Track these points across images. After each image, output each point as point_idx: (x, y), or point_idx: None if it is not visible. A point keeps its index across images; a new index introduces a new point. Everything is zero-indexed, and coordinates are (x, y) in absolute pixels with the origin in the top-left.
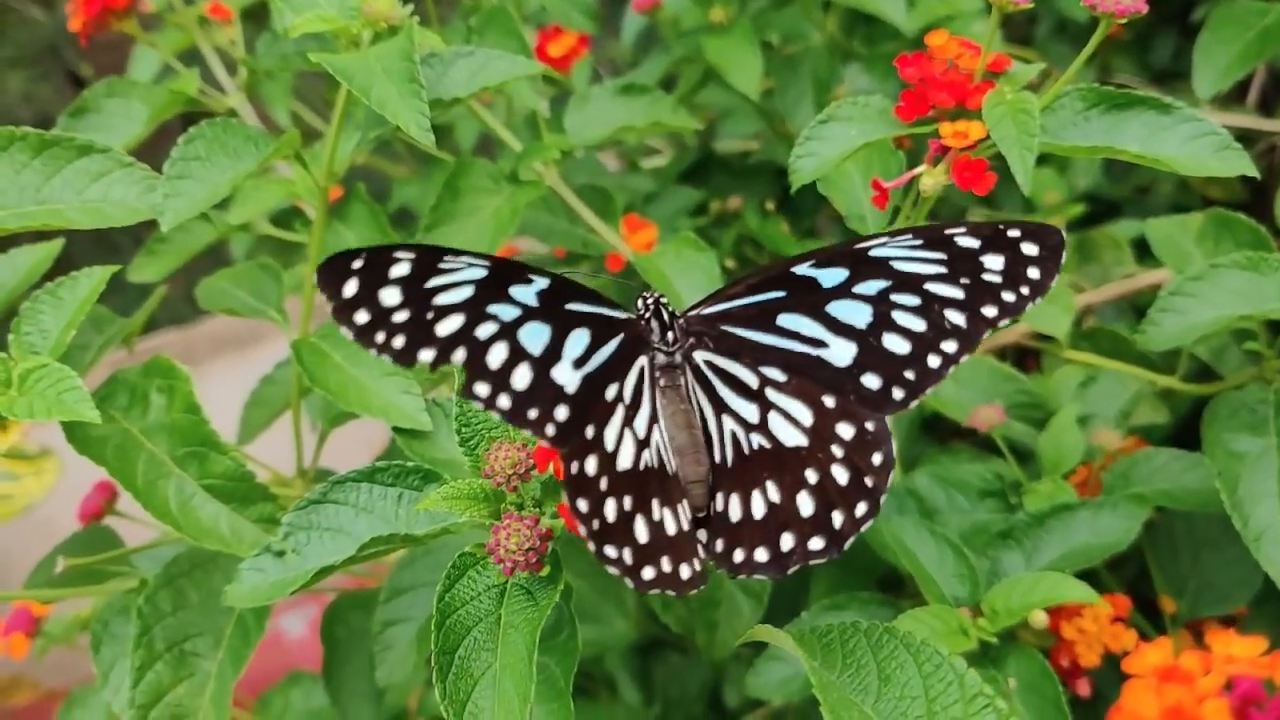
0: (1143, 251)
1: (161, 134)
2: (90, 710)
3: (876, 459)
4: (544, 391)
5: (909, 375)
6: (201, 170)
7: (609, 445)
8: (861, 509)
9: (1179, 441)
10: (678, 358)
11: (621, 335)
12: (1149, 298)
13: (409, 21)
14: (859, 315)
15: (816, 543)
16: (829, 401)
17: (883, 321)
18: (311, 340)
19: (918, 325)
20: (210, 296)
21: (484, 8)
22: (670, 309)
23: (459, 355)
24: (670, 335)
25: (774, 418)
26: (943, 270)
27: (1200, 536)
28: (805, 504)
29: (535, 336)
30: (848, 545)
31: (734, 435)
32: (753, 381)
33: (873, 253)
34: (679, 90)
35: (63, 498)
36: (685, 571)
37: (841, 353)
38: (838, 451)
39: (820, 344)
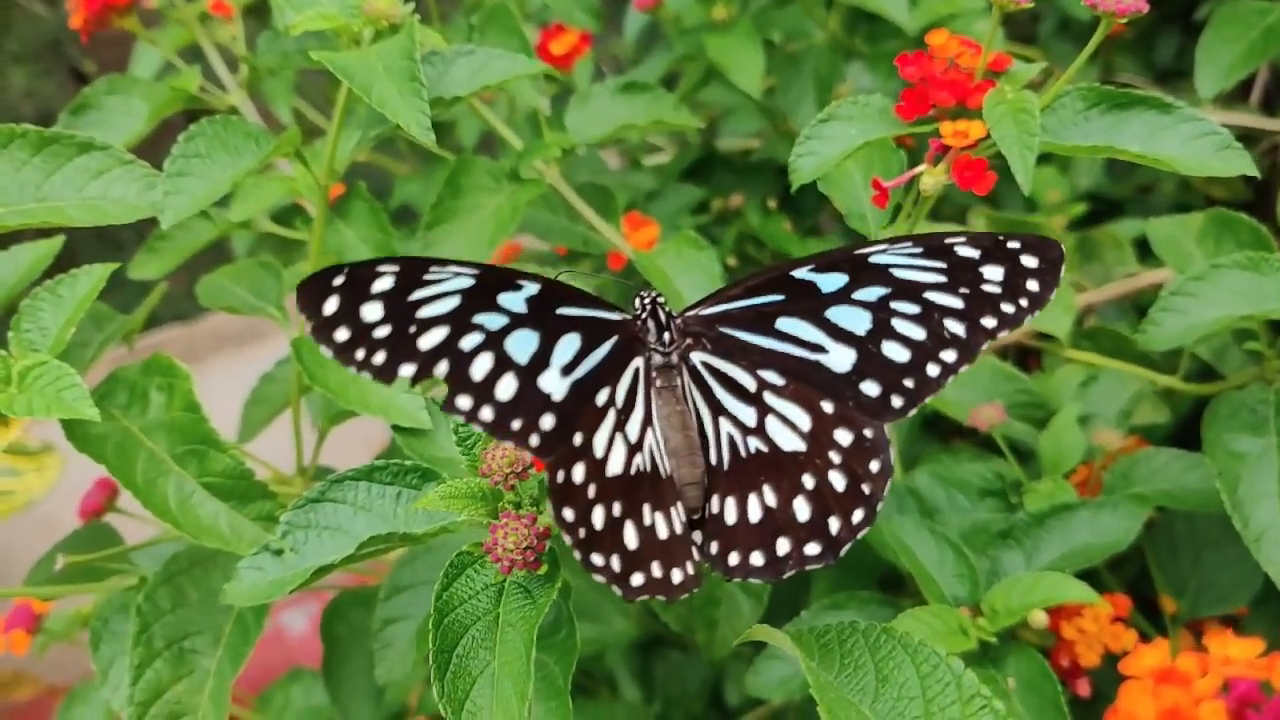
0: (1145, 251)
1: (165, 130)
2: (91, 707)
3: (874, 466)
4: (529, 401)
5: (908, 383)
6: (202, 168)
7: (598, 452)
8: (858, 516)
9: (1180, 441)
10: (674, 358)
11: (615, 338)
12: (1151, 297)
13: (410, 20)
14: (858, 322)
15: (813, 548)
16: (827, 407)
17: (882, 329)
18: (311, 338)
19: (917, 334)
20: (210, 294)
21: (486, 6)
22: (667, 309)
23: (441, 368)
24: (667, 335)
25: (771, 422)
26: (942, 279)
27: (1201, 536)
28: (802, 509)
29: (522, 345)
30: (844, 552)
31: (730, 438)
32: (750, 384)
33: (872, 259)
34: (681, 88)
35: (65, 494)
36: (677, 576)
37: (840, 359)
38: (835, 457)
39: (819, 349)
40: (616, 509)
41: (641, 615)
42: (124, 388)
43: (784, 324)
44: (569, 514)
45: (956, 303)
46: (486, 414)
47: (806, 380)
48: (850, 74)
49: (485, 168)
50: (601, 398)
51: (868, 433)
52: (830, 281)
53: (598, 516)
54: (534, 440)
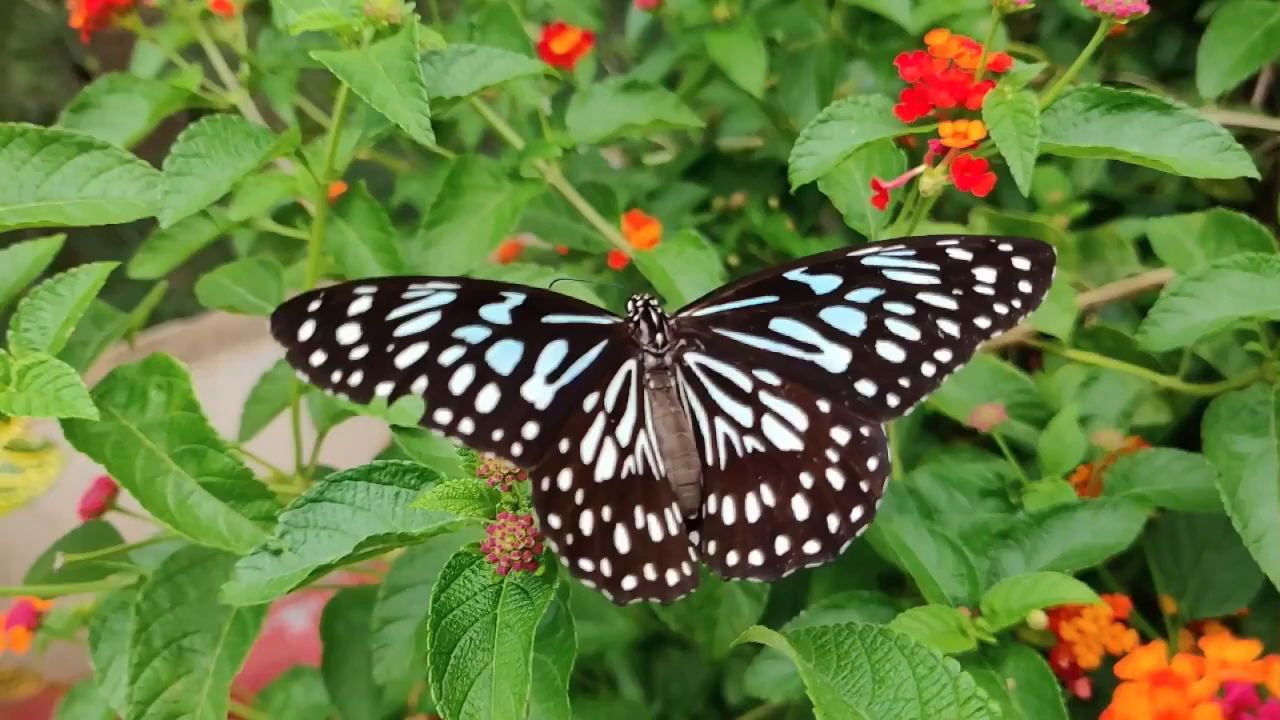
0: (1146, 251)
1: (168, 128)
2: (91, 704)
3: (872, 464)
4: (512, 411)
5: (904, 383)
6: (201, 167)
7: (586, 457)
8: (857, 514)
9: (1181, 442)
10: (668, 359)
11: (605, 342)
12: (1152, 297)
13: (410, 19)
14: (852, 322)
15: (812, 546)
16: (824, 406)
17: (876, 329)
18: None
19: (911, 334)
20: (210, 293)
21: (487, 5)
22: (660, 311)
23: (419, 384)
24: (659, 337)
25: (768, 421)
26: (935, 281)
27: (1201, 537)
28: (800, 508)
29: (505, 355)
30: (843, 549)
31: (727, 438)
32: (746, 384)
33: (865, 261)
34: (683, 87)
35: (66, 490)
36: (673, 577)
37: (835, 359)
38: (833, 456)
39: (814, 349)
40: (606, 513)
41: (642, 614)
42: (123, 387)
43: (778, 325)
44: (555, 521)
45: (950, 304)
46: (466, 426)
47: (802, 380)
48: (852, 73)
49: (486, 167)
50: (589, 403)
51: (865, 431)
52: (823, 283)
53: (586, 521)
54: (516, 449)
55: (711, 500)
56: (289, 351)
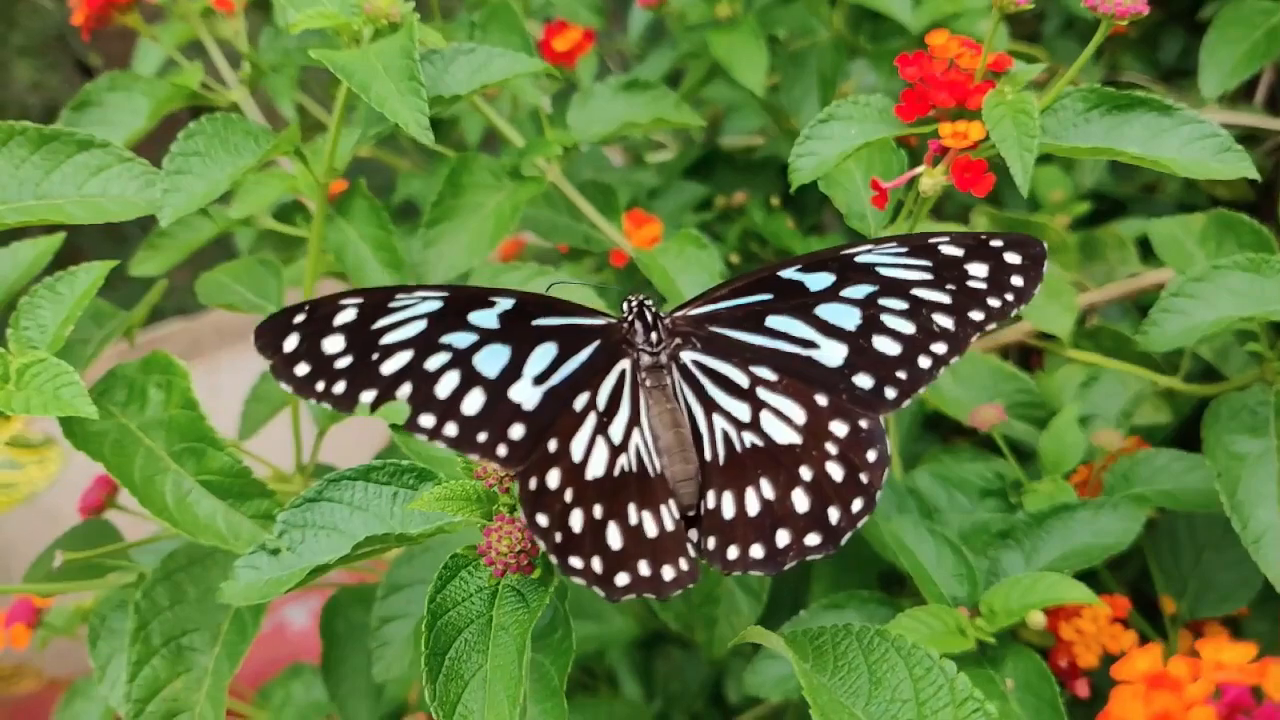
0: (1148, 250)
1: (171, 125)
2: (91, 701)
3: (871, 455)
4: (497, 413)
5: (901, 375)
6: (201, 166)
7: (576, 456)
8: (858, 505)
9: (1181, 442)
10: (663, 358)
11: (597, 343)
12: (1153, 297)
13: (409, 18)
14: (848, 318)
15: (813, 538)
16: (821, 400)
17: (872, 324)
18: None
19: (907, 328)
20: (209, 291)
21: (488, 3)
22: (654, 310)
23: (404, 390)
24: (654, 335)
25: (766, 416)
26: (928, 277)
27: (1201, 537)
28: (800, 500)
29: (493, 359)
30: (844, 541)
31: (725, 434)
32: (743, 381)
33: (859, 259)
34: (684, 85)
35: (67, 486)
36: (669, 573)
37: (832, 353)
38: (832, 448)
39: (810, 345)
40: (598, 511)
41: (642, 613)
42: (122, 385)
43: (774, 322)
44: (543, 519)
45: (944, 298)
46: (450, 430)
47: (800, 375)
48: (854, 72)
49: (486, 165)
50: (580, 403)
51: (863, 423)
52: (818, 281)
53: (576, 519)
54: (502, 451)
55: (710, 496)
56: (272, 364)
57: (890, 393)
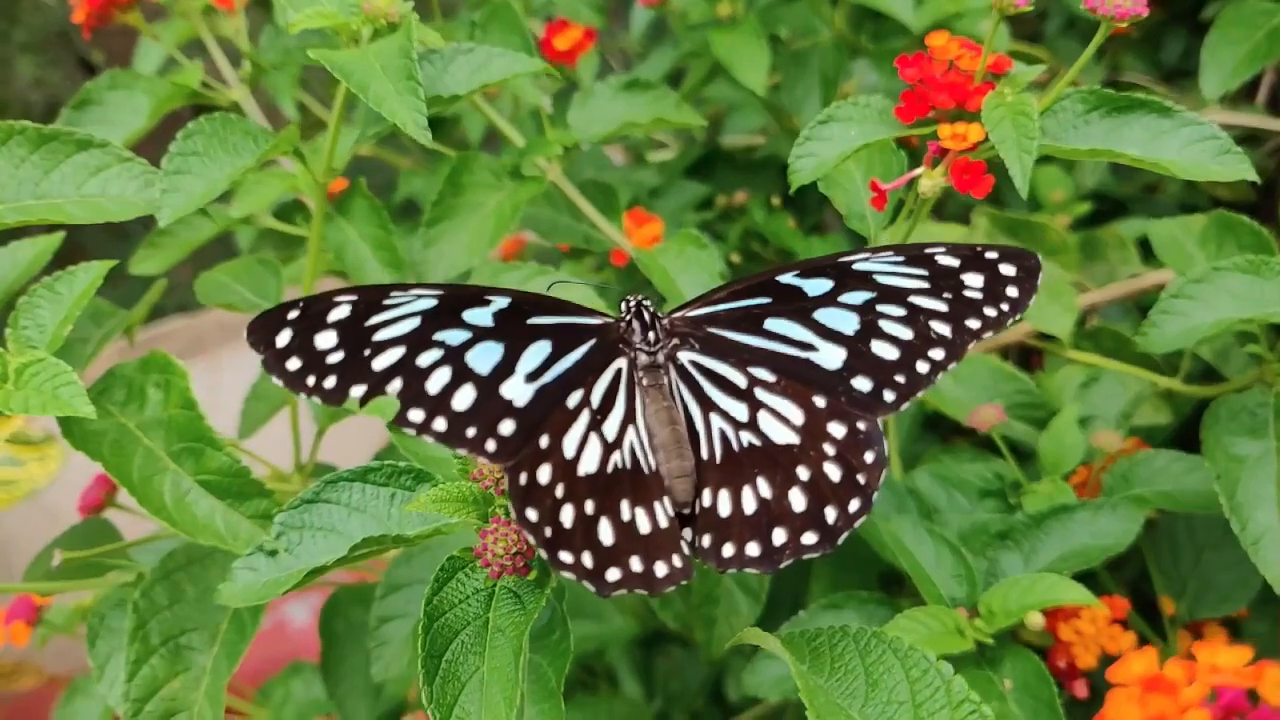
0: (1149, 251)
1: (173, 123)
2: (91, 699)
3: (869, 457)
4: (488, 409)
5: (899, 379)
6: (200, 166)
7: (568, 452)
8: (854, 505)
9: (1182, 442)
10: (660, 357)
11: (592, 341)
12: (1154, 297)
13: (408, 18)
14: (846, 323)
15: (810, 538)
16: (820, 401)
17: (870, 329)
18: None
19: (905, 333)
20: (209, 291)
21: (489, 2)
22: (652, 310)
23: (394, 386)
24: (652, 335)
25: (764, 416)
26: (925, 285)
27: (1201, 538)
28: (798, 500)
29: (485, 356)
30: (841, 540)
31: (722, 432)
32: (741, 381)
33: (856, 266)
34: (686, 84)
35: (68, 483)
36: (661, 569)
37: (831, 356)
38: (830, 449)
39: (809, 347)
40: (589, 506)
41: (642, 611)
42: (121, 385)
43: (772, 324)
44: (532, 514)
45: (941, 306)
46: (440, 424)
47: (798, 377)
48: (856, 71)
49: (487, 165)
50: (573, 400)
51: (861, 425)
52: (816, 286)
53: (567, 514)
54: (491, 446)
55: (706, 494)
56: (264, 358)
57: (888, 396)
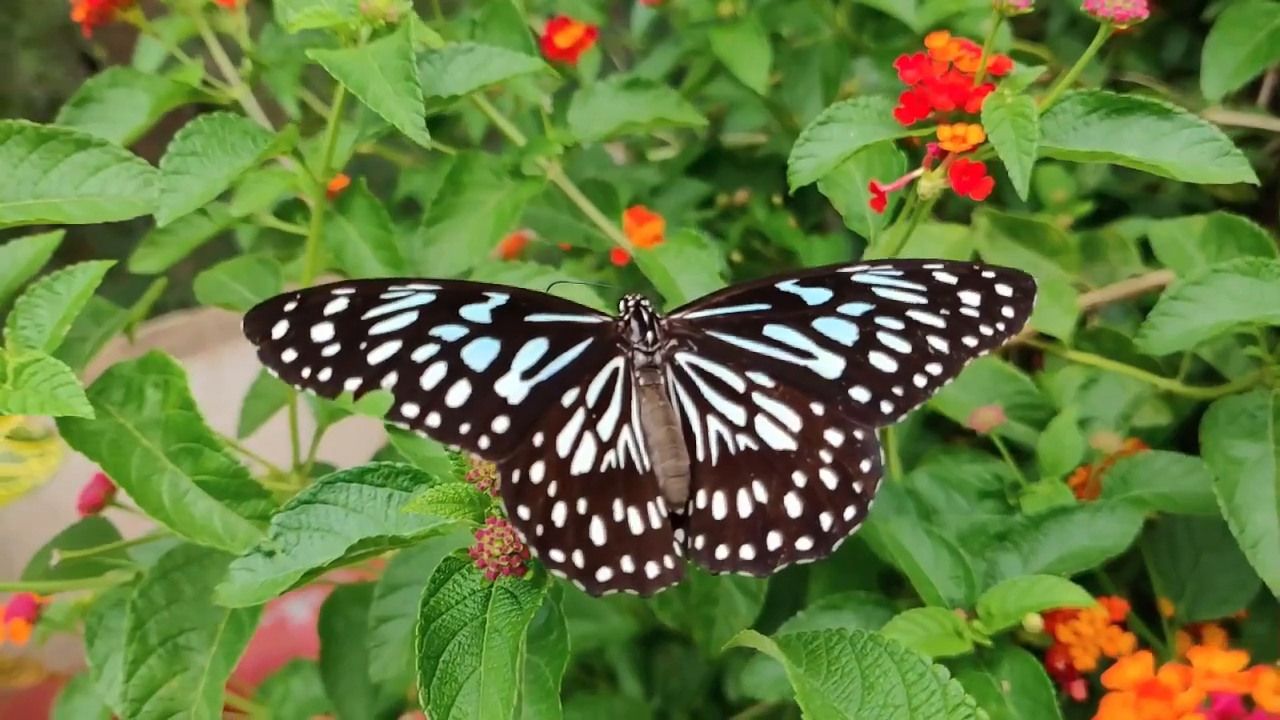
0: (1150, 251)
1: (175, 120)
2: (90, 697)
3: (865, 466)
4: (482, 406)
5: (897, 391)
6: (199, 166)
7: (562, 450)
8: (850, 513)
9: (1182, 443)
10: (658, 358)
11: (590, 340)
12: (1155, 298)
13: (406, 18)
14: (845, 333)
15: (804, 543)
16: (817, 409)
17: (869, 341)
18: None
19: (903, 347)
20: (208, 290)
21: (490, 1)
22: (650, 310)
23: (389, 380)
24: (650, 335)
25: (761, 421)
26: (923, 301)
27: (1200, 539)
28: (793, 505)
29: (481, 353)
30: (836, 547)
31: (719, 435)
32: (739, 385)
33: (855, 278)
34: (687, 83)
35: (68, 480)
36: (652, 569)
37: (829, 365)
38: (826, 456)
39: (808, 355)
40: (581, 505)
41: (641, 610)
42: (120, 384)
43: (771, 331)
44: (524, 512)
45: (938, 322)
46: (433, 420)
47: (796, 384)
48: (858, 70)
49: (487, 164)
50: (569, 398)
51: (858, 434)
52: (815, 296)
53: (559, 513)
54: (484, 442)
55: (701, 495)
56: (260, 349)
57: (886, 407)
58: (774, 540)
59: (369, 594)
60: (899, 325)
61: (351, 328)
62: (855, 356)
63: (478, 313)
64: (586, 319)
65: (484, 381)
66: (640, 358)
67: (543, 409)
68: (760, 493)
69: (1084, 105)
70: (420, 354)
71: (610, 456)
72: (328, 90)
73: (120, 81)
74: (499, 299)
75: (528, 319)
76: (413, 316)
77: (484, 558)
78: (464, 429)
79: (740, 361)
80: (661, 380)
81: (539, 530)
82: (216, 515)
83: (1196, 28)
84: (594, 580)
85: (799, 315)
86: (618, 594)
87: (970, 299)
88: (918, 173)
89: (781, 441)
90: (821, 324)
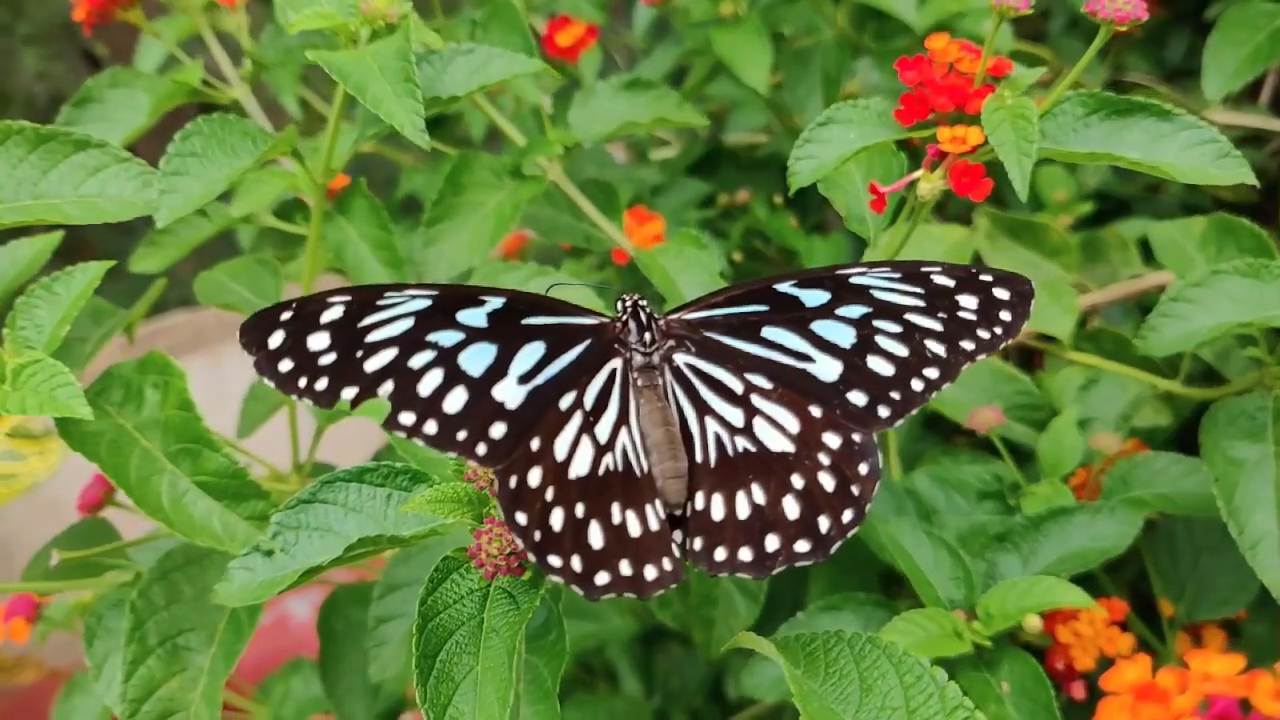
0: (1150, 251)
1: (176, 119)
2: (90, 696)
3: (863, 469)
4: (479, 412)
5: (895, 395)
6: (198, 167)
7: (559, 455)
8: (848, 515)
9: (1182, 444)
10: (655, 359)
11: (587, 342)
12: (1156, 298)
13: (406, 19)
14: (843, 336)
15: (802, 545)
16: (816, 411)
17: (866, 344)
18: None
19: (900, 350)
20: (207, 290)
21: (490, 1)
22: (649, 310)
23: (385, 388)
24: (648, 336)
25: (759, 422)
26: (921, 304)
27: (1200, 540)
28: (791, 507)
29: (478, 358)
30: (834, 549)
31: (718, 437)
32: (737, 386)
33: (853, 280)
34: (688, 82)
35: (68, 478)
36: (651, 572)
37: (827, 369)
38: (824, 459)
39: (806, 358)
40: (579, 509)
41: (641, 610)
42: (119, 385)
43: (769, 333)
44: (522, 518)
45: (936, 325)
46: (430, 428)
47: (794, 386)
48: (859, 70)
49: (487, 164)
50: (566, 402)
51: (856, 437)
52: (813, 297)
53: (556, 518)
54: (481, 449)
55: (699, 497)
56: (256, 360)
57: (884, 411)
58: (772, 542)
59: (369, 594)
60: (897, 328)
61: (348, 336)
62: (853, 360)
63: (474, 317)
64: (584, 320)
65: (481, 387)
66: (638, 358)
67: (540, 413)
68: (758, 495)
69: (1084, 106)
70: (417, 361)
71: (608, 459)
72: (329, 89)
73: (120, 81)
74: (496, 302)
75: (524, 322)
76: (409, 323)
77: (482, 557)
78: (461, 436)
79: (738, 363)
80: (659, 381)
81: (536, 536)
82: (216, 516)
83: (1198, 28)
84: (592, 584)
85: (797, 317)
86: (617, 598)
87: (968, 302)
88: (917, 174)
89: (779, 444)
90: (819, 326)
